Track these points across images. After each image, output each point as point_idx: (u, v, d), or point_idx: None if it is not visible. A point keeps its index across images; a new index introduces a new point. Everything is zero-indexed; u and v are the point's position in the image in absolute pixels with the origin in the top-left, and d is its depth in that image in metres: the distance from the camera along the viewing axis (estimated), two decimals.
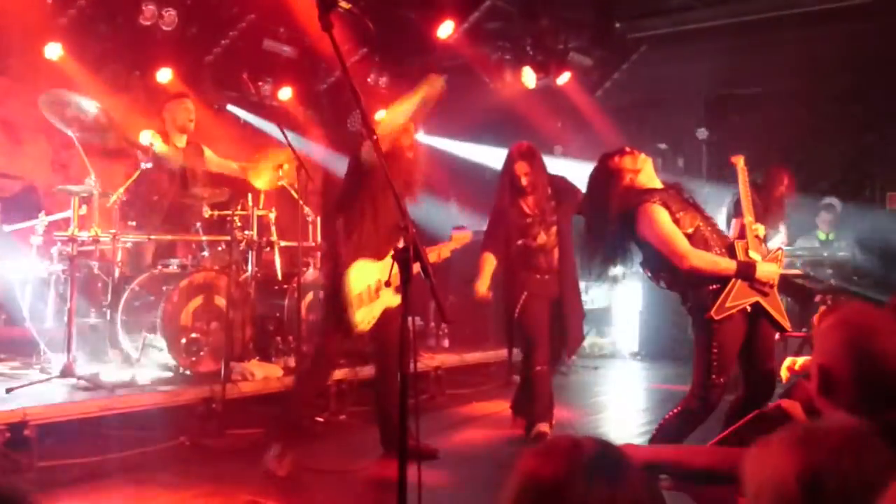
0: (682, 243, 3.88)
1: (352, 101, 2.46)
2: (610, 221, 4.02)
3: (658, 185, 4.11)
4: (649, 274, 4.16)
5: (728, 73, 8.53)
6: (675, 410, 4.00)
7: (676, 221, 3.92)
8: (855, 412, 1.42)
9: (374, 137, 2.42)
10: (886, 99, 8.26)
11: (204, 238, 5.86)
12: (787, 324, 4.06)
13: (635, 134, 8.63)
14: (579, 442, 1.26)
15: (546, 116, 8.98)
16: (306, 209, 6.17)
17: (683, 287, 4.03)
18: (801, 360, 3.05)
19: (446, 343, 7.63)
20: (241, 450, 4.80)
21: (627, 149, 4.14)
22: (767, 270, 3.93)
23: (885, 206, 8.86)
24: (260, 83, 8.22)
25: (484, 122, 8.98)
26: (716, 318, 3.84)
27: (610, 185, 4.05)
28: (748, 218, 4.07)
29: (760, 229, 4.12)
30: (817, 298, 7.03)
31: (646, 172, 4.08)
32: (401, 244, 2.26)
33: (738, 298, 3.89)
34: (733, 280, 3.88)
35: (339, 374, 5.90)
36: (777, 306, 4.03)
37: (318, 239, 6.51)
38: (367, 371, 5.92)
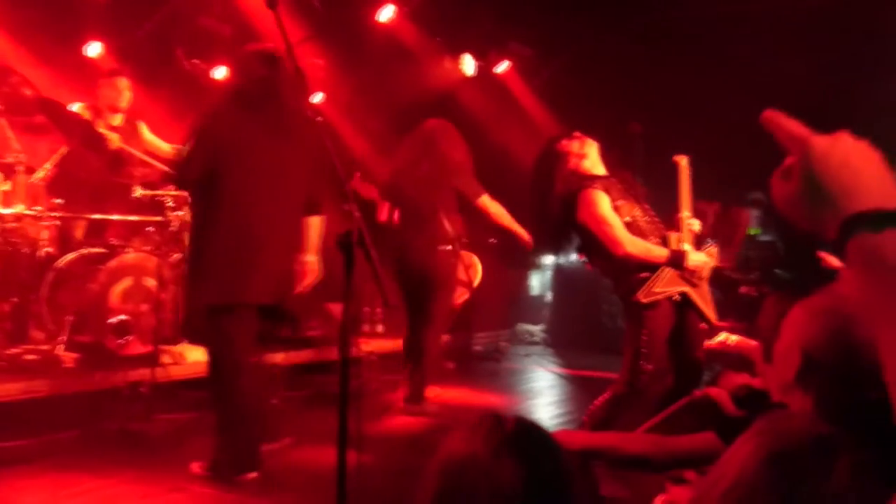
0: (619, 230, 3.95)
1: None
2: (552, 204, 4.07)
3: (602, 171, 4.17)
4: (585, 259, 4.23)
5: (664, 67, 8.65)
6: (605, 396, 4.09)
7: (615, 209, 4.00)
8: (827, 396, 1.47)
9: (319, 119, 2.41)
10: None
11: (134, 218, 5.72)
12: (713, 316, 4.17)
13: (571, 126, 8.69)
14: (502, 420, 1.28)
15: (484, 105, 8.99)
16: None
17: (616, 274, 4.12)
18: (734, 338, 3.15)
19: (380, 328, 7.60)
20: (169, 434, 4.72)
21: (576, 133, 4.20)
22: (697, 260, 4.04)
23: None
24: (194, 61, 8.01)
25: (420, 109, 8.93)
26: (643, 301, 3.92)
27: (554, 168, 4.10)
28: (685, 213, 4.17)
29: (696, 224, 4.23)
30: (742, 290, 7.22)
31: (591, 158, 4.14)
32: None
33: (667, 286, 3.99)
34: (662, 266, 3.98)
35: (273, 358, 5.84)
36: (706, 298, 4.14)
37: None
38: (303, 356, 5.89)
